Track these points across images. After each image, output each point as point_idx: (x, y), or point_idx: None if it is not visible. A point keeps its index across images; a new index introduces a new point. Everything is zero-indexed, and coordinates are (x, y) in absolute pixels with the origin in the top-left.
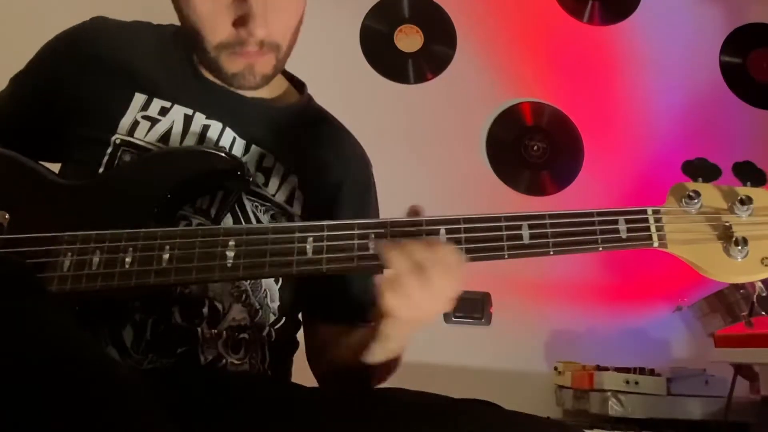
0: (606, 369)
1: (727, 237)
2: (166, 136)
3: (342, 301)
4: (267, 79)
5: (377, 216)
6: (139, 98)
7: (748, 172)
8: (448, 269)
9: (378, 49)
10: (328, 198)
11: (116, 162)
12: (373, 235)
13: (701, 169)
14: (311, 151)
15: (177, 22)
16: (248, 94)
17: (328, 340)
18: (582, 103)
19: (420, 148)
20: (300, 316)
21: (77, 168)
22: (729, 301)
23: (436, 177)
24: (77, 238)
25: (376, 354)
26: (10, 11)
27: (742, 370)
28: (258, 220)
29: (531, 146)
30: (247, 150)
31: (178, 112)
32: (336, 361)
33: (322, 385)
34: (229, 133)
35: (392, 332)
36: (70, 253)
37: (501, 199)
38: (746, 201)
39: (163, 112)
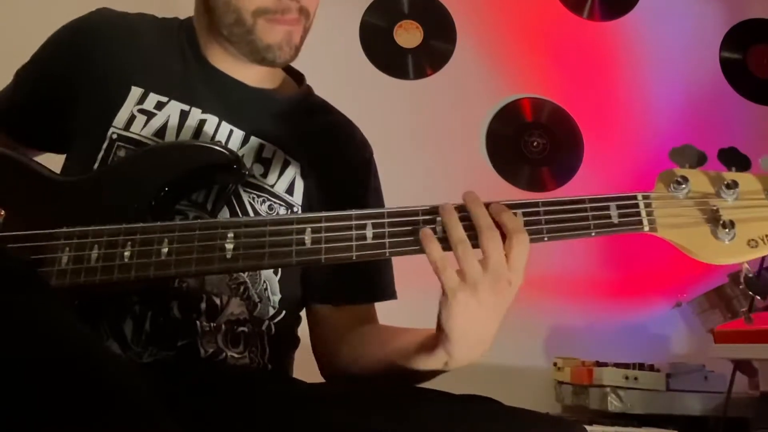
0: (605, 365)
1: (714, 220)
2: (161, 131)
3: (359, 281)
4: (298, 50)
5: (382, 199)
6: (135, 92)
7: (733, 158)
8: (508, 237)
9: (377, 44)
10: (329, 184)
11: (112, 156)
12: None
13: (688, 156)
14: (312, 138)
15: (180, 16)
16: (250, 84)
17: (343, 331)
18: (582, 99)
19: (420, 143)
20: (304, 310)
21: (76, 160)
22: (728, 297)
23: (436, 173)
24: (74, 233)
25: (428, 365)
26: (12, 7)
27: (741, 365)
28: (255, 212)
29: (531, 142)
30: (245, 141)
31: (174, 107)
32: (365, 361)
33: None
34: (225, 127)
35: (451, 352)
36: (67, 249)
37: (501, 195)
38: (732, 185)
39: (159, 106)
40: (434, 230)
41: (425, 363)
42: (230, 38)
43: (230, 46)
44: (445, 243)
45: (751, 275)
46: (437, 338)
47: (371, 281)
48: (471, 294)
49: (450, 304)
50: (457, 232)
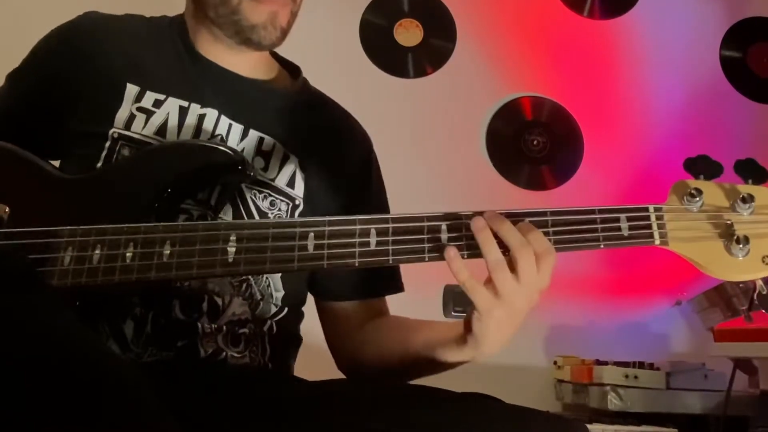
0: (605, 363)
1: (728, 235)
2: (162, 129)
3: (369, 275)
4: (284, 33)
5: (383, 193)
6: (131, 89)
7: (749, 170)
8: (539, 257)
9: (378, 43)
10: (329, 177)
11: (115, 156)
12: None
13: (703, 167)
14: (311, 131)
15: (169, 14)
16: (243, 74)
17: (357, 326)
18: (582, 98)
19: (420, 142)
20: (315, 307)
21: (76, 163)
22: (728, 296)
23: (436, 172)
24: (77, 232)
25: (456, 358)
26: (6, 11)
27: (741, 364)
28: (258, 209)
29: (531, 141)
30: (245, 135)
31: (173, 104)
32: (389, 355)
33: (352, 376)
34: (224, 121)
35: (482, 351)
36: (70, 248)
37: (501, 194)
38: (748, 199)
39: (158, 104)
40: (439, 238)
41: (454, 356)
42: (216, 20)
43: (217, 29)
44: (462, 250)
45: (764, 292)
46: (466, 339)
47: (380, 275)
48: (507, 310)
49: (485, 319)
50: (495, 252)
